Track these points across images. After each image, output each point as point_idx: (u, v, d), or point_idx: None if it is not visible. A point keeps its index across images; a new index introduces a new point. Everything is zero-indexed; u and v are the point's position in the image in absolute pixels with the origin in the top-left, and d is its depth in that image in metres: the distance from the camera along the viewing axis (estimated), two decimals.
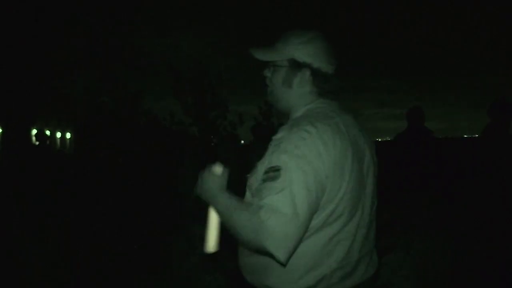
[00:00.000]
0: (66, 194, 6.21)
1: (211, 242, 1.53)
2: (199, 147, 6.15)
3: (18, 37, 10.60)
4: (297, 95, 1.51)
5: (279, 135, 1.38)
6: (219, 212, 1.40)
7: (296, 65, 1.48)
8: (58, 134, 22.27)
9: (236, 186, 1.50)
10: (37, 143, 6.85)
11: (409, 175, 4.63)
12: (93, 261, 4.37)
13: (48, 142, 6.74)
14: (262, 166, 1.39)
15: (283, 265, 1.31)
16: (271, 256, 1.25)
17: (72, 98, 17.10)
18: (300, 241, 1.27)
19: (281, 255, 1.22)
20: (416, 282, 3.18)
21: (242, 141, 9.01)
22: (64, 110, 19.45)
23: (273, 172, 1.29)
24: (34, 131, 14.65)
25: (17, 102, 11.29)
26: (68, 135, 23.44)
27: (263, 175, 1.32)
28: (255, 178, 1.43)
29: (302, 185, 1.26)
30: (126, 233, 5.32)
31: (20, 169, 6.14)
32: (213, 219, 1.50)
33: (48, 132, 8.58)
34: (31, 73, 11.26)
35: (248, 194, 1.49)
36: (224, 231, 1.44)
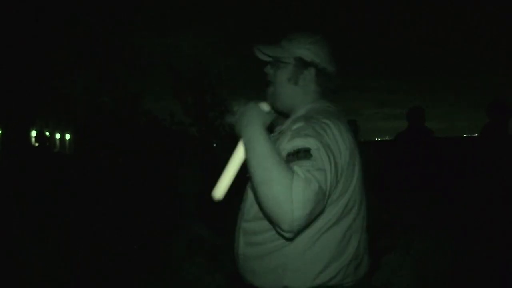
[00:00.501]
0: (66, 194, 6.21)
1: (222, 188, 1.41)
2: (199, 147, 6.15)
3: (18, 37, 10.60)
4: (302, 92, 1.55)
5: (296, 126, 1.37)
6: (252, 151, 1.30)
7: (302, 64, 1.53)
8: (58, 135, 22.28)
9: (236, 186, 1.49)
10: (37, 144, 6.85)
11: (409, 175, 4.63)
12: (93, 261, 4.37)
13: (47, 143, 6.74)
14: None
15: (291, 237, 1.26)
16: (282, 223, 1.17)
17: (72, 98, 17.12)
18: (309, 222, 1.22)
19: (297, 222, 1.15)
20: (416, 282, 3.19)
21: None
22: (64, 110, 19.48)
23: (304, 152, 1.25)
24: (34, 132, 14.69)
25: (16, 102, 11.29)
26: (67, 136, 23.45)
27: (289, 157, 1.27)
28: None
29: (331, 168, 1.26)
30: (126, 233, 5.32)
31: (20, 169, 6.14)
32: (237, 161, 1.42)
33: (47, 133, 8.58)
34: (31, 73, 11.26)
35: (250, 193, 1.48)
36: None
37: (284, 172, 1.19)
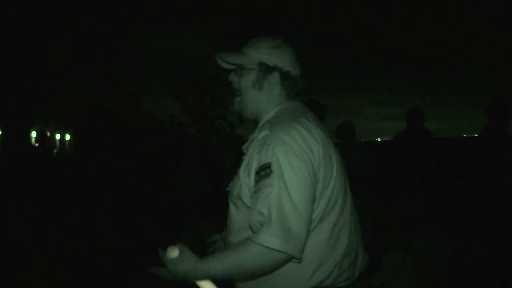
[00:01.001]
0: (66, 194, 6.20)
1: None
2: (198, 148, 6.15)
3: (18, 37, 10.60)
4: (267, 97, 1.54)
5: (261, 135, 1.39)
6: (219, 276, 1.33)
7: (266, 69, 1.52)
8: (58, 136, 22.24)
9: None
10: (37, 144, 6.85)
11: (409, 175, 4.63)
12: (93, 261, 4.36)
13: (48, 143, 6.73)
14: (246, 171, 1.41)
15: (300, 260, 1.30)
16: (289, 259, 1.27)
17: (72, 98, 17.12)
18: (308, 232, 1.29)
19: (292, 252, 1.25)
20: (416, 282, 3.18)
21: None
22: (64, 110, 19.46)
23: (265, 170, 1.31)
24: (34, 133, 14.68)
25: (17, 103, 11.29)
26: (67, 137, 23.41)
27: (256, 176, 1.34)
28: (237, 186, 1.44)
29: (295, 177, 1.29)
30: (126, 233, 5.32)
31: (20, 169, 6.14)
32: None
33: (48, 134, 8.57)
34: (31, 73, 11.26)
35: (232, 207, 1.48)
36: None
37: (241, 252, 1.28)
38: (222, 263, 1.30)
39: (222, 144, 7.27)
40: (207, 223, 4.32)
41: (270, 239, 1.23)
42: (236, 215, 1.45)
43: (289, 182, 1.28)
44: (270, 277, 1.36)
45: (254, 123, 1.60)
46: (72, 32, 11.97)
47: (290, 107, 1.52)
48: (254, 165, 1.36)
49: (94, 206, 6.40)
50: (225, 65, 1.59)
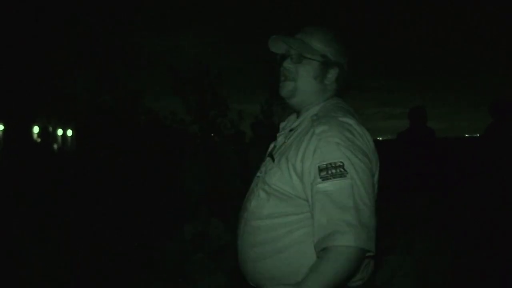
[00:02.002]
0: (66, 194, 6.20)
1: None
2: (199, 146, 6.14)
3: (19, 36, 10.61)
4: (321, 90, 1.51)
5: (319, 129, 1.36)
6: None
7: (328, 62, 1.49)
8: (60, 132, 22.25)
9: (237, 185, 1.49)
10: (39, 140, 6.85)
11: (410, 175, 4.61)
12: (93, 261, 4.36)
13: (50, 139, 6.73)
14: (291, 161, 1.38)
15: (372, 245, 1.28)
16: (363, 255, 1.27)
17: (73, 97, 17.10)
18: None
19: (375, 249, 1.26)
20: (416, 282, 3.18)
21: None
22: (65, 107, 19.45)
23: (336, 169, 1.28)
24: (36, 129, 14.68)
25: (18, 99, 11.30)
26: (69, 133, 23.42)
27: (320, 172, 1.29)
28: (275, 176, 1.42)
29: (366, 175, 1.30)
30: (126, 233, 5.32)
31: (20, 167, 6.14)
32: None
33: (49, 129, 8.57)
34: (32, 71, 11.27)
35: (262, 193, 1.45)
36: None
37: (334, 260, 1.24)
38: (323, 278, 1.25)
39: (224, 142, 7.27)
40: (217, 220, 4.33)
41: (365, 240, 1.23)
42: (266, 202, 1.43)
43: (364, 180, 1.28)
44: (290, 264, 1.37)
45: (294, 111, 1.59)
46: (73, 31, 11.98)
47: (338, 104, 1.50)
48: (313, 159, 1.32)
49: (94, 205, 6.40)
50: (275, 49, 1.55)
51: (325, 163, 1.29)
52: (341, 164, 1.28)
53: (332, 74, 1.50)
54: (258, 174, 1.56)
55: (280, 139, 1.56)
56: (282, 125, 1.61)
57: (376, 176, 1.42)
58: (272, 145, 1.61)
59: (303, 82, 1.50)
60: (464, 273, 3.44)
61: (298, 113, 1.55)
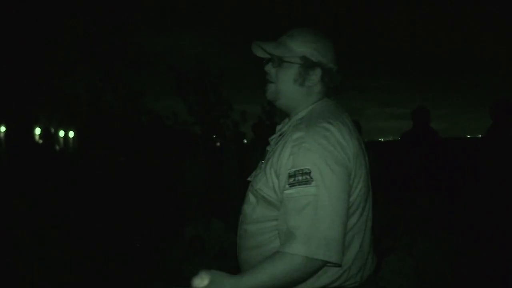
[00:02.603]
0: (68, 194, 6.21)
1: None
2: (201, 146, 6.14)
3: (20, 37, 10.63)
4: (306, 93, 1.49)
5: (296, 135, 1.36)
6: None
7: (309, 64, 1.47)
8: (61, 133, 22.31)
9: (237, 185, 1.49)
10: (41, 141, 6.86)
11: (413, 175, 4.60)
12: (94, 261, 4.36)
13: (51, 140, 6.74)
14: (273, 168, 1.38)
15: (340, 260, 1.28)
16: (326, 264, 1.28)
17: (75, 98, 17.15)
18: (345, 236, 1.29)
19: (335, 259, 1.25)
20: (416, 283, 3.17)
21: (245, 140, 8.99)
22: (68, 108, 19.51)
23: (302, 176, 1.28)
24: (38, 130, 14.73)
25: (19, 101, 11.32)
26: (71, 134, 23.48)
27: (289, 179, 1.30)
28: (261, 181, 1.42)
29: (337, 184, 1.28)
30: (127, 234, 5.31)
31: (22, 168, 6.15)
32: None
33: (51, 130, 8.59)
34: (33, 72, 11.29)
35: (251, 197, 1.47)
36: None
37: (281, 265, 1.24)
38: (260, 278, 1.24)
39: (225, 143, 7.26)
40: (218, 220, 4.32)
41: (315, 249, 1.23)
42: (256, 206, 1.44)
43: (332, 189, 1.27)
44: None
45: (285, 113, 1.58)
46: (74, 32, 12.01)
47: (327, 106, 1.47)
48: (287, 165, 1.33)
49: (95, 206, 6.40)
50: (260, 54, 1.54)
51: (294, 169, 1.30)
52: (308, 171, 1.28)
53: (314, 75, 1.47)
54: (249, 178, 1.58)
55: (272, 143, 1.56)
56: (278, 128, 1.60)
57: (362, 181, 1.38)
58: (267, 149, 1.60)
59: (284, 85, 1.50)
60: (465, 274, 3.42)
61: (289, 117, 1.55)
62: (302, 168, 1.29)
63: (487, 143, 4.16)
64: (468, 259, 3.45)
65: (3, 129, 15.38)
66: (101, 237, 5.07)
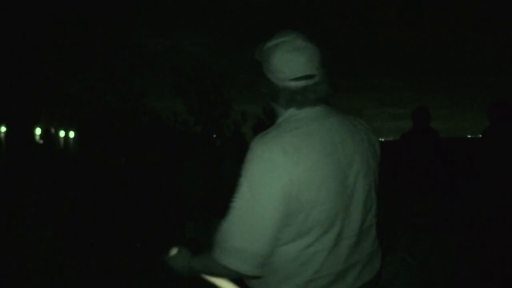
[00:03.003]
0: (68, 194, 6.21)
1: None
2: (200, 146, 6.15)
3: (21, 37, 10.63)
4: (275, 106, 1.49)
5: (250, 145, 1.36)
6: (202, 273, 1.47)
7: (260, 72, 1.47)
8: (62, 133, 22.30)
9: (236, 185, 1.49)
10: (42, 141, 6.87)
11: (414, 175, 4.61)
12: (93, 261, 4.37)
13: (52, 140, 6.75)
14: None
15: (257, 277, 1.34)
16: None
17: (76, 98, 17.14)
18: (269, 250, 1.29)
19: (244, 270, 1.29)
20: (417, 283, 3.17)
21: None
22: (68, 108, 19.50)
23: (238, 186, 1.31)
24: (38, 130, 14.73)
25: (20, 101, 11.33)
26: (71, 134, 23.48)
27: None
28: None
29: (263, 195, 1.26)
30: (127, 233, 5.32)
31: (22, 168, 6.15)
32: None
33: (52, 131, 8.60)
34: (34, 72, 11.30)
35: None
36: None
37: (211, 261, 1.36)
38: (202, 264, 1.43)
39: (225, 143, 7.27)
40: (220, 221, 4.31)
41: (226, 259, 1.29)
42: None
43: (257, 198, 1.26)
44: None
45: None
46: (74, 32, 12.01)
47: (296, 116, 1.40)
48: None
49: (95, 206, 6.40)
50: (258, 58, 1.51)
51: (239, 179, 1.32)
52: (241, 182, 1.29)
53: (264, 84, 1.45)
54: None
55: None
56: None
57: (327, 202, 1.31)
58: None
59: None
60: (467, 274, 3.43)
61: None
62: (240, 178, 1.31)
63: (486, 143, 4.17)
64: (469, 259, 3.46)
65: (3, 129, 15.38)
66: (100, 237, 5.08)
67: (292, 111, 1.42)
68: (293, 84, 1.38)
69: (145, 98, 20.43)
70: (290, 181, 1.26)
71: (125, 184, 8.41)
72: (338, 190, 1.33)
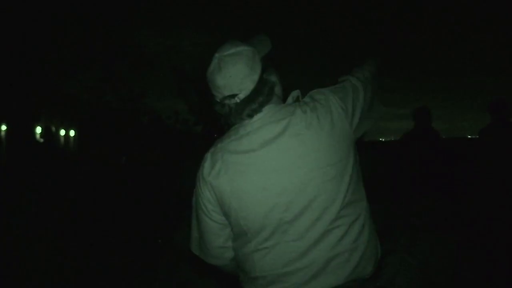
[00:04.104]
0: (68, 193, 6.20)
1: None
2: (201, 146, 6.14)
3: (21, 36, 10.62)
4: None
5: None
6: None
7: None
8: (62, 132, 22.28)
9: None
10: (42, 140, 6.86)
11: (415, 175, 4.60)
12: (92, 261, 4.36)
13: (53, 139, 6.73)
14: None
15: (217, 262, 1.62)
16: None
17: (76, 97, 17.13)
18: (218, 250, 1.55)
19: (194, 250, 1.64)
20: (417, 283, 3.16)
21: None
22: (69, 108, 19.49)
23: None
24: (39, 129, 14.72)
25: (20, 100, 11.32)
26: (72, 133, 23.46)
27: None
28: None
29: (198, 202, 1.53)
30: (127, 233, 5.31)
31: (23, 167, 6.14)
32: None
33: (53, 129, 8.60)
34: (35, 71, 11.29)
35: None
36: None
37: None
38: None
39: None
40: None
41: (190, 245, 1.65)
42: None
43: (195, 207, 1.56)
44: None
45: None
46: (75, 31, 12.01)
47: (233, 128, 1.50)
48: None
49: (95, 205, 6.40)
50: None
51: None
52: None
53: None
54: None
55: None
56: None
57: (252, 212, 1.40)
58: None
59: None
60: (466, 274, 3.42)
61: None
62: None
63: (485, 143, 4.18)
64: (469, 259, 3.46)
65: (4, 128, 15.38)
66: (100, 237, 5.07)
67: (237, 123, 1.50)
68: (222, 103, 1.47)
69: (145, 98, 20.41)
70: (218, 191, 1.45)
71: (125, 184, 8.41)
72: (270, 195, 1.38)
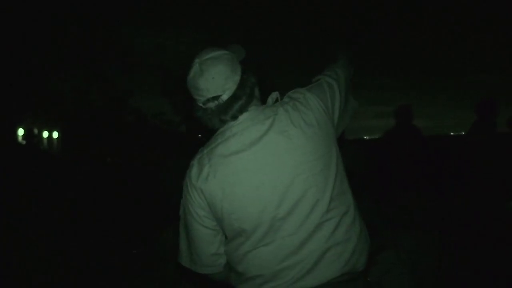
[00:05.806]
0: (53, 195, 6.13)
1: None
2: (183, 146, 6.11)
3: (5, 35, 10.47)
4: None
5: None
6: None
7: None
8: (45, 134, 22.01)
9: None
10: (24, 142, 6.77)
11: (397, 173, 4.63)
12: (84, 263, 4.32)
13: (35, 141, 6.65)
14: None
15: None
16: None
17: (60, 97, 16.92)
18: (211, 256, 1.53)
19: (180, 261, 1.61)
20: (408, 281, 3.18)
21: None
22: (52, 109, 19.26)
23: None
24: (21, 131, 14.51)
25: (1, 101, 11.15)
26: (55, 135, 23.18)
27: None
28: None
29: (187, 212, 1.51)
30: (117, 233, 5.27)
31: (4, 170, 6.05)
32: None
33: (35, 131, 8.49)
34: (17, 71, 11.13)
35: None
36: None
37: None
38: None
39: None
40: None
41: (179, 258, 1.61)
42: None
43: (183, 217, 1.54)
44: None
45: None
46: (61, 31, 11.88)
47: (218, 133, 1.52)
48: None
49: (84, 206, 6.35)
50: None
51: None
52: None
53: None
54: None
55: None
56: None
57: (242, 218, 1.42)
58: None
59: None
60: (457, 271, 3.46)
61: None
62: None
63: (471, 140, 4.22)
64: (457, 256, 3.49)
65: None
66: (89, 239, 5.03)
67: (222, 126, 1.52)
68: (204, 107, 1.48)
69: (132, 97, 20.24)
70: (208, 195, 1.45)
71: (111, 183, 8.36)
72: (260, 196, 1.41)
